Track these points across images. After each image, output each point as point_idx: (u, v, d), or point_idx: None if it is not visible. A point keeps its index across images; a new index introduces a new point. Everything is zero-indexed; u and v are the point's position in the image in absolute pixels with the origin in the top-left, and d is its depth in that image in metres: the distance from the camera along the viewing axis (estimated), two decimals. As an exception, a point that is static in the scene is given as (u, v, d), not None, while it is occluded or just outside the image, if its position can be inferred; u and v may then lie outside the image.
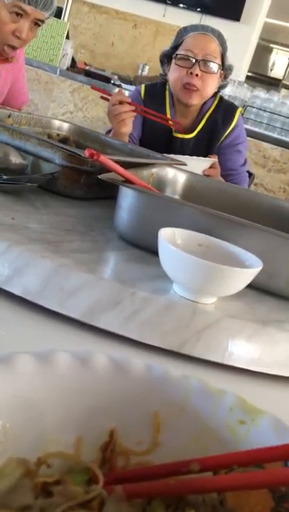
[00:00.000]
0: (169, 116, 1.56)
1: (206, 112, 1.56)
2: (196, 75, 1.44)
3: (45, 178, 0.75)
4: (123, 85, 3.44)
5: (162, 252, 0.53)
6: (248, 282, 0.54)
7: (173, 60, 1.49)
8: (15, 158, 0.74)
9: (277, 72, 7.36)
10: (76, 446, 0.30)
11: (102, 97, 1.38)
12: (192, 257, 0.50)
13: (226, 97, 3.65)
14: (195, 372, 0.50)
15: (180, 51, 1.47)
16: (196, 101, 1.49)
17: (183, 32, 1.51)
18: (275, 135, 3.29)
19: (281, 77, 7.05)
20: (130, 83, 4.14)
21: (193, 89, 1.46)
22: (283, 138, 3.26)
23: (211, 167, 1.45)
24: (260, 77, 7.01)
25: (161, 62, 1.58)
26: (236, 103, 3.54)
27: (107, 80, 3.64)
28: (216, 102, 1.57)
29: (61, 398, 0.31)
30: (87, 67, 4.35)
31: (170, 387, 0.32)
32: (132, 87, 3.07)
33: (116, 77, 4.31)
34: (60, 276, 0.52)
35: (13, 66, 1.61)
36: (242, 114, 3.51)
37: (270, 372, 0.53)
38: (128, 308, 0.51)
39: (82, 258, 0.57)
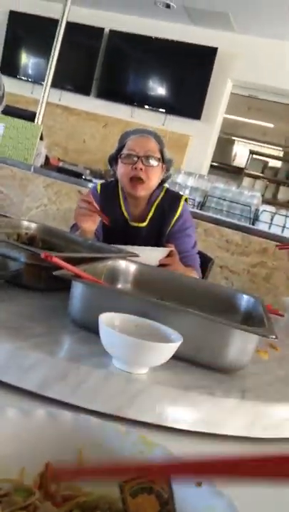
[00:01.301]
0: (123, 207, 1.76)
1: (154, 202, 1.77)
2: (140, 169, 1.66)
3: (11, 274, 0.89)
4: (94, 180, 3.71)
5: (101, 332, 0.67)
6: (172, 354, 0.67)
7: (119, 160, 1.72)
8: (-14, 259, 0.89)
9: (239, 161, 7.94)
10: (20, 474, 0.42)
11: None
12: (124, 336, 0.63)
13: (188, 189, 3.94)
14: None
15: (124, 151, 1.71)
16: (142, 192, 1.70)
17: (125, 136, 1.76)
18: (236, 221, 3.55)
19: (243, 166, 7.59)
20: (101, 177, 4.45)
21: (140, 183, 1.67)
22: (243, 223, 3.51)
23: (168, 255, 1.62)
24: (224, 167, 7.53)
25: (110, 163, 1.82)
26: (198, 193, 3.84)
27: (78, 175, 3.92)
28: (162, 193, 1.79)
29: (11, 442, 0.43)
30: (60, 163, 4.67)
31: (91, 430, 0.45)
32: (103, 180, 3.33)
33: (88, 171, 4.63)
34: (19, 357, 0.65)
35: None
36: (203, 204, 3.80)
37: (192, 429, 0.65)
38: (74, 380, 0.64)
39: (38, 341, 0.70)
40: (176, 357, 0.71)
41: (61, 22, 3.70)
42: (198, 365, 0.76)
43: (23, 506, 0.37)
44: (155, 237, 1.76)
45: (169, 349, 0.66)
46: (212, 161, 6.09)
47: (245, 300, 1.04)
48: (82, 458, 0.44)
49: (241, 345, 0.74)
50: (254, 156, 7.52)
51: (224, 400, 0.67)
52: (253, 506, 0.48)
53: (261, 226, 3.63)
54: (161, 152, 1.74)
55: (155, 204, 1.77)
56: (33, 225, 1.32)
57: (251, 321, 0.92)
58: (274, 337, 0.71)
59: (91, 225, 1.53)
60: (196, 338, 0.75)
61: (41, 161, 3.84)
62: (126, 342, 0.64)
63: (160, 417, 0.64)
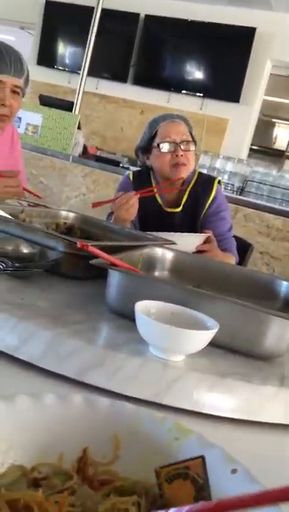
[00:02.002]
0: (157, 195, 1.77)
1: (188, 187, 1.76)
2: (182, 155, 1.67)
3: (50, 264, 0.91)
4: (131, 168, 3.71)
5: (138, 321, 0.67)
6: (208, 341, 0.67)
7: (154, 150, 1.72)
8: (25, 249, 0.91)
9: (280, 144, 7.76)
10: (59, 458, 0.43)
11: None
12: (159, 324, 0.64)
13: (227, 174, 3.89)
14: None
15: (159, 140, 1.70)
16: (185, 174, 1.71)
17: (154, 124, 1.75)
18: (276, 206, 3.49)
19: (284, 149, 7.42)
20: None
21: (182, 166, 1.68)
22: (284, 208, 3.45)
23: (205, 242, 1.62)
24: (264, 150, 7.38)
25: (137, 155, 1.82)
26: (237, 179, 3.79)
27: (116, 163, 3.93)
28: (195, 177, 1.78)
29: (50, 427, 0.44)
30: (98, 152, 4.70)
31: (127, 416, 0.46)
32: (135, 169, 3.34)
33: (126, 159, 4.64)
34: (57, 344, 0.66)
35: (11, 147, 1.78)
36: (243, 188, 3.74)
37: (229, 416, 0.65)
38: (111, 367, 0.65)
39: (76, 328, 0.71)
40: (213, 344, 0.71)
41: (96, 9, 3.69)
42: (236, 352, 0.76)
43: (61, 489, 0.38)
44: (190, 221, 1.75)
45: (205, 336, 0.66)
46: (252, 145, 5.98)
47: (284, 286, 1.02)
48: (118, 443, 0.44)
49: (278, 332, 0.73)
50: (295, 138, 7.34)
51: (262, 387, 0.67)
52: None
53: (303, 210, 3.55)
54: (192, 135, 1.74)
55: (189, 188, 1.77)
56: (71, 215, 1.34)
57: (290, 307, 0.91)
58: (313, 324, 0.70)
59: (132, 214, 1.55)
60: (232, 325, 0.75)
61: (79, 150, 3.88)
62: (162, 329, 0.64)
63: (196, 403, 0.65)
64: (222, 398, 0.65)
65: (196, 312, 0.73)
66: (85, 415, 0.45)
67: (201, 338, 0.66)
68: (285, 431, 0.67)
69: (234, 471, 0.40)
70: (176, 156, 1.67)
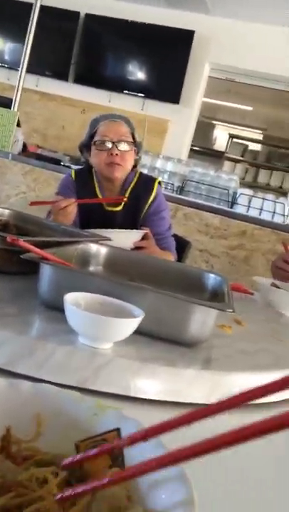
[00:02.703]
0: (98, 192, 1.79)
1: (128, 186, 1.80)
2: (116, 154, 1.69)
3: (-17, 259, 0.92)
4: (72, 166, 3.71)
5: (67, 311, 0.70)
6: (134, 329, 0.71)
7: (92, 147, 1.74)
8: None
9: (220, 144, 7.97)
10: (-18, 438, 0.45)
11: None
12: (86, 313, 0.67)
13: (167, 173, 3.96)
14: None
15: (97, 138, 1.73)
16: (119, 174, 1.74)
17: (95, 122, 1.78)
18: (214, 204, 3.60)
19: (224, 150, 7.63)
20: (81, 163, 4.45)
21: (116, 165, 1.71)
22: (222, 207, 3.56)
23: (143, 238, 1.66)
24: (204, 151, 7.56)
25: (81, 151, 1.84)
26: (177, 178, 3.87)
27: (57, 162, 3.92)
28: (136, 177, 1.82)
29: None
30: (39, 150, 4.66)
31: (48, 396, 0.48)
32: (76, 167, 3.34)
33: (67, 158, 4.62)
34: (-13, 335, 0.68)
35: None
36: (182, 188, 3.83)
37: (154, 398, 0.69)
38: (40, 356, 0.67)
39: (7, 320, 0.73)
40: (140, 332, 0.75)
41: (35, 6, 3.66)
42: (161, 339, 0.80)
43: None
44: (130, 220, 1.79)
45: (131, 324, 0.70)
46: (193, 146, 6.12)
47: (211, 279, 1.08)
48: (40, 421, 0.47)
49: (200, 319, 0.78)
50: (234, 139, 7.56)
51: (184, 370, 0.72)
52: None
53: (239, 209, 3.68)
54: (133, 136, 1.76)
55: (129, 188, 1.80)
56: (7, 212, 1.35)
57: (216, 298, 0.96)
58: (231, 310, 0.75)
59: (70, 220, 1.57)
60: (157, 314, 0.79)
61: (19, 148, 3.83)
62: (89, 318, 0.68)
63: (124, 388, 0.68)
64: (147, 382, 0.69)
65: (123, 302, 0.76)
66: (9, 397, 0.48)
67: (127, 326, 0.70)
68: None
69: (145, 439, 0.44)
70: (112, 154, 1.70)
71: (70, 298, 0.72)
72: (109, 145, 1.71)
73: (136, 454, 0.44)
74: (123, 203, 1.79)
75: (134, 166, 1.85)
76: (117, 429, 0.44)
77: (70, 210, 1.56)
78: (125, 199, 1.73)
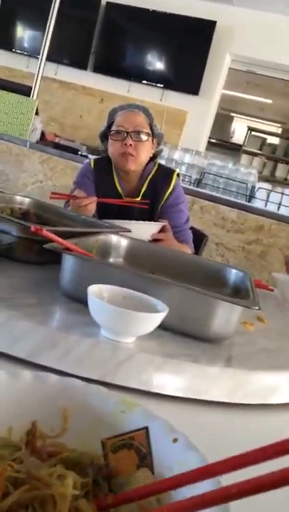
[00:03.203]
0: (116, 182, 1.77)
1: (147, 178, 1.78)
2: (130, 144, 1.67)
3: (4, 248, 0.91)
4: (89, 156, 3.69)
5: (90, 303, 0.69)
6: (157, 324, 0.70)
7: (109, 137, 1.73)
8: (-21, 232, 0.91)
9: (237, 138, 7.89)
10: (8, 431, 0.44)
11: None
12: (111, 306, 0.66)
13: (185, 165, 3.93)
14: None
15: (113, 128, 1.71)
16: (133, 166, 1.71)
17: (113, 112, 1.76)
18: (232, 198, 3.56)
19: (241, 143, 7.55)
20: (98, 153, 4.43)
21: (130, 157, 1.68)
22: (239, 201, 3.53)
23: (160, 231, 1.64)
24: (222, 143, 7.49)
25: (101, 140, 1.82)
26: (195, 170, 3.84)
27: (74, 151, 3.90)
28: (155, 169, 1.80)
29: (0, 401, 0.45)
30: (56, 139, 4.64)
31: (75, 391, 0.47)
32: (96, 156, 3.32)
33: (84, 147, 4.60)
34: (10, 325, 0.67)
35: None
36: (200, 181, 3.80)
37: (176, 395, 0.68)
38: (62, 348, 0.66)
39: (29, 311, 0.72)
40: (163, 327, 0.73)
41: (56, -6, 3.64)
42: (184, 335, 0.79)
43: (10, 460, 0.40)
44: (148, 212, 1.78)
45: (155, 319, 0.69)
46: (210, 138, 6.06)
47: (233, 274, 1.06)
48: (67, 417, 0.46)
49: (224, 316, 0.77)
50: (252, 132, 7.48)
51: (207, 367, 0.70)
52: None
53: (257, 203, 3.64)
54: (151, 126, 1.74)
55: (148, 179, 1.79)
56: (27, 200, 1.34)
57: (239, 294, 0.94)
58: (257, 308, 0.74)
59: (91, 213, 1.56)
60: (181, 309, 0.77)
61: (37, 136, 3.82)
62: (113, 312, 0.66)
63: (145, 383, 0.67)
64: (169, 378, 0.68)
65: (147, 296, 0.75)
66: (35, 391, 0.47)
67: (151, 321, 0.68)
68: (229, 408, 0.70)
69: (175, 440, 0.43)
70: (125, 145, 1.68)
71: (94, 290, 0.71)
72: (124, 135, 1.69)
73: (164, 455, 0.43)
74: (141, 195, 1.78)
75: (155, 157, 1.82)
76: (146, 428, 0.43)
77: (91, 208, 1.55)
78: (146, 207, 1.70)
